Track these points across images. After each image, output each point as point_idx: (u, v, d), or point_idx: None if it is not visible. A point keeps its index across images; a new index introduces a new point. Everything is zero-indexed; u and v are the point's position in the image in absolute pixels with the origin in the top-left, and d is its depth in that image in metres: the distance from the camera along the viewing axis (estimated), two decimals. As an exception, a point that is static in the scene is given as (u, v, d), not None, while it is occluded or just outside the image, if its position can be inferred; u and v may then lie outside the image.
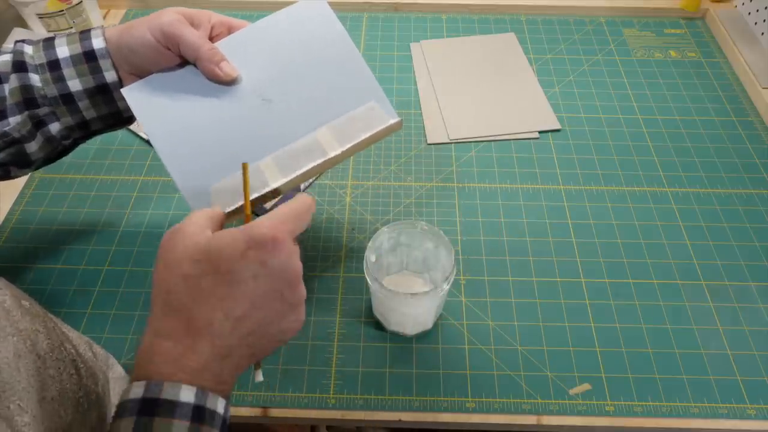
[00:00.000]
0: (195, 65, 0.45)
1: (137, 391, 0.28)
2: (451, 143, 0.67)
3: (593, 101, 0.72)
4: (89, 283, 0.55)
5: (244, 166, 0.37)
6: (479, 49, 0.79)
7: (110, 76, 0.45)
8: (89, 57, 0.44)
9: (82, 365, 0.33)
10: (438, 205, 0.61)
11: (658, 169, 0.64)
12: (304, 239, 0.58)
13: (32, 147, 0.45)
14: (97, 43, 0.44)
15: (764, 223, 0.59)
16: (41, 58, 0.43)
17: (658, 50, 0.79)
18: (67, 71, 0.44)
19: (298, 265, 0.33)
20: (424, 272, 0.52)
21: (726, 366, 0.49)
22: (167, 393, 0.28)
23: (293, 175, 0.43)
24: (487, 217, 0.60)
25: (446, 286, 0.45)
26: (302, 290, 0.34)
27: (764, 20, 0.77)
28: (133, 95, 0.45)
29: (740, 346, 0.51)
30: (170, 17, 0.43)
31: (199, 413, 0.29)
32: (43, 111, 0.44)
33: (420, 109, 0.71)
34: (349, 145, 0.44)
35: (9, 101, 0.43)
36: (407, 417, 0.47)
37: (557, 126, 0.69)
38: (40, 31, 0.76)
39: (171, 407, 0.28)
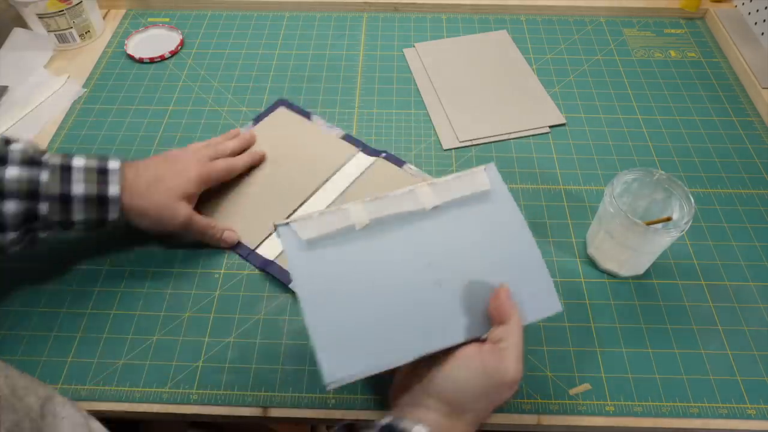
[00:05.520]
0: None
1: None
2: (461, 146, 0.67)
3: (593, 101, 0.72)
4: (89, 283, 0.55)
5: None
6: (473, 48, 0.79)
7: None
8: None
9: None
10: (438, 205, 0.61)
11: (658, 169, 0.64)
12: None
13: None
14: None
15: (764, 223, 0.59)
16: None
17: (658, 50, 0.79)
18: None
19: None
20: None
21: (726, 366, 0.49)
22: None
23: None
24: (487, 217, 0.60)
25: (686, 226, 0.47)
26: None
27: (764, 20, 0.77)
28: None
29: (740, 346, 0.51)
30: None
31: None
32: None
33: (420, 108, 0.71)
34: None
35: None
36: (407, 417, 0.47)
37: (562, 120, 0.69)
38: (40, 31, 0.76)
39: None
